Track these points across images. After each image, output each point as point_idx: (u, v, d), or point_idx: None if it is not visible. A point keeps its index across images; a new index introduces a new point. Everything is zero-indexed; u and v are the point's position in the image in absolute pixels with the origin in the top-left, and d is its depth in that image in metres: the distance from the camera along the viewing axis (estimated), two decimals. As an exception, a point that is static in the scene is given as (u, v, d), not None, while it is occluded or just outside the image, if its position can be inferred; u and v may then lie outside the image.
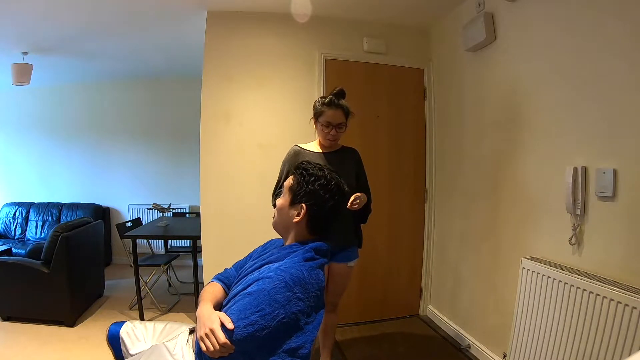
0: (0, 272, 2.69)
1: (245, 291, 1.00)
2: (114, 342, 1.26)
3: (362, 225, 1.95)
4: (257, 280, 1.01)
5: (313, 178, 1.14)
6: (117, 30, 2.94)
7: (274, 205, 1.80)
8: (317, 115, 1.83)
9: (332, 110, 1.77)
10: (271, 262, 1.10)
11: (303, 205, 1.13)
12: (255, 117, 2.67)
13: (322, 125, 1.80)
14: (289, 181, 1.19)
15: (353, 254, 1.90)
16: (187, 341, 1.18)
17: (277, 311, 0.94)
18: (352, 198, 1.64)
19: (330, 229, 1.18)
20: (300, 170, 1.17)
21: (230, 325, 0.93)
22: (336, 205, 1.15)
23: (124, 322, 1.32)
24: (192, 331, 1.22)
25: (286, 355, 0.96)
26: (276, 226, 1.23)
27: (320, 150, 1.88)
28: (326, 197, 1.13)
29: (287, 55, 2.69)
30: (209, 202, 2.61)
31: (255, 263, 1.15)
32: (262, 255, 1.20)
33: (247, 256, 1.31)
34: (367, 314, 2.85)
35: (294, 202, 1.15)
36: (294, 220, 1.14)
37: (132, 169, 4.60)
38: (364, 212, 1.86)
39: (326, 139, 1.82)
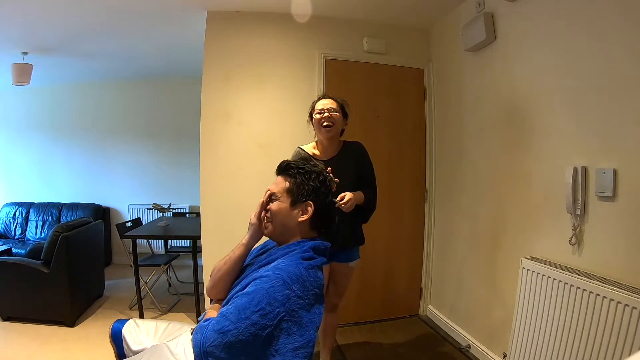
0: (0, 272, 2.69)
1: (243, 291, 1.00)
2: (117, 339, 1.26)
3: (362, 224, 1.92)
4: (254, 280, 1.01)
5: (312, 175, 1.15)
6: (117, 31, 2.94)
7: None
8: (311, 112, 1.83)
9: (322, 99, 1.83)
10: (270, 263, 1.10)
11: (310, 202, 1.12)
12: (255, 117, 2.67)
13: (316, 116, 1.78)
14: (282, 184, 1.16)
15: (354, 254, 1.88)
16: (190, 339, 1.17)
17: (278, 309, 0.94)
18: (341, 197, 1.54)
19: (331, 223, 1.19)
20: (294, 171, 1.16)
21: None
22: (331, 197, 1.19)
23: (128, 319, 1.32)
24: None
25: (291, 355, 0.95)
26: (272, 234, 1.17)
27: (322, 152, 1.85)
28: (326, 191, 1.15)
29: (287, 55, 2.69)
30: (209, 202, 2.61)
31: (253, 266, 1.14)
32: (259, 256, 1.19)
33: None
34: (367, 314, 2.85)
35: (296, 203, 1.13)
36: (300, 219, 1.12)
37: (132, 169, 4.60)
38: (364, 210, 1.81)
39: (322, 125, 1.75)
